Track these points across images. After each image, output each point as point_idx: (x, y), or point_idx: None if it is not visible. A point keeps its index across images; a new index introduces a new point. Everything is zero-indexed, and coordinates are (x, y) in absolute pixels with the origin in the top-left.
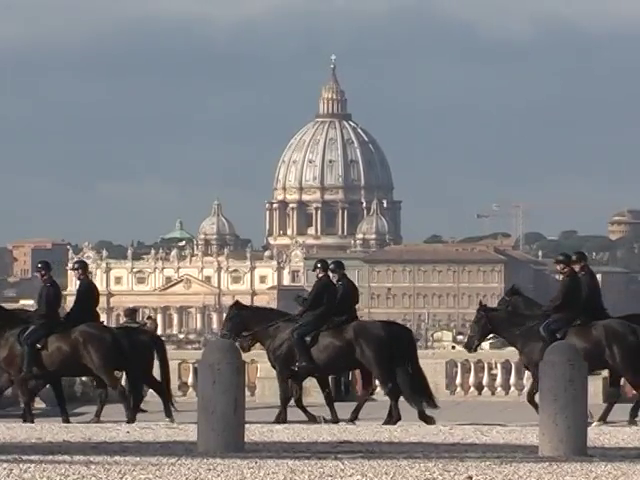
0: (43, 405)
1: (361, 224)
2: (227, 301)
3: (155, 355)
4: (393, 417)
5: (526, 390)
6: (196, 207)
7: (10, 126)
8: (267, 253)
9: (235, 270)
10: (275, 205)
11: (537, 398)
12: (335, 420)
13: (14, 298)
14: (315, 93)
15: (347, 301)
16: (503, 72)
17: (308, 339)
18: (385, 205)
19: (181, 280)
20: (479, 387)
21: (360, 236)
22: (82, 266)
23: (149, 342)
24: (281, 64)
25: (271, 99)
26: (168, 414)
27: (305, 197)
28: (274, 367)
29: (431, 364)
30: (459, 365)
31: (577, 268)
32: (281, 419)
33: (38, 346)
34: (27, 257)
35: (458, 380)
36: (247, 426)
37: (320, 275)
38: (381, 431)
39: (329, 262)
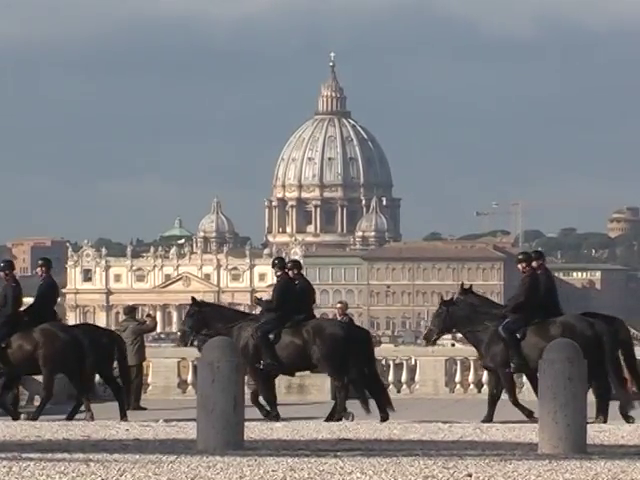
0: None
1: (360, 222)
2: (226, 299)
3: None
4: (336, 412)
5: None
6: (195, 205)
7: (10, 124)
8: (266, 251)
9: (234, 268)
10: (274, 203)
11: (524, 400)
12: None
13: None
14: (314, 91)
15: (305, 300)
16: (503, 70)
17: (272, 337)
18: (384, 203)
19: (180, 278)
20: (478, 385)
21: (359, 234)
22: (46, 264)
23: (108, 341)
24: (280, 62)
25: (270, 97)
26: (122, 415)
27: (304, 195)
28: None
29: (430, 361)
30: (458, 363)
31: (535, 266)
32: (273, 416)
33: (2, 345)
34: (27, 255)
35: (457, 378)
36: (246, 424)
37: (279, 274)
38: (381, 429)
39: (287, 261)
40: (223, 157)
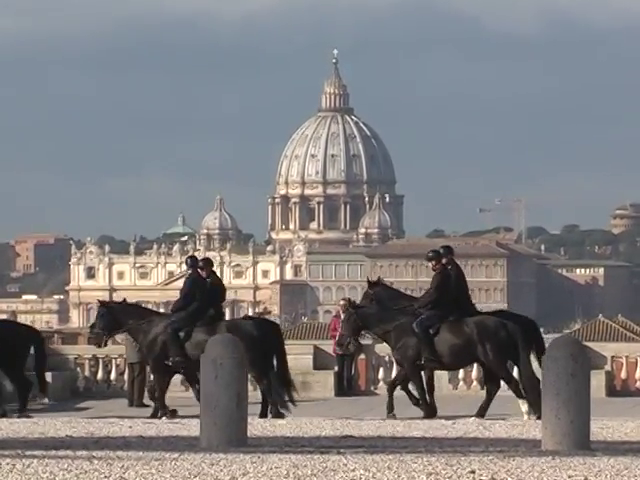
0: (46, 400)
1: (363, 219)
2: (230, 296)
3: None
4: (271, 413)
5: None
6: (198, 202)
7: (13, 121)
8: (269, 247)
9: (237, 265)
10: (277, 200)
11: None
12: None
13: (17, 293)
14: (317, 87)
15: (215, 297)
16: (506, 66)
17: (182, 334)
18: (387, 199)
19: (183, 275)
20: (482, 381)
21: (362, 230)
22: None
23: (26, 336)
24: (283, 59)
25: (273, 93)
26: (21, 408)
27: (307, 192)
28: (146, 362)
29: None
30: None
31: (444, 262)
32: (155, 413)
33: None
34: (30, 252)
35: (461, 374)
36: (250, 420)
37: (189, 272)
38: (384, 426)
39: (199, 259)
40: (226, 154)
